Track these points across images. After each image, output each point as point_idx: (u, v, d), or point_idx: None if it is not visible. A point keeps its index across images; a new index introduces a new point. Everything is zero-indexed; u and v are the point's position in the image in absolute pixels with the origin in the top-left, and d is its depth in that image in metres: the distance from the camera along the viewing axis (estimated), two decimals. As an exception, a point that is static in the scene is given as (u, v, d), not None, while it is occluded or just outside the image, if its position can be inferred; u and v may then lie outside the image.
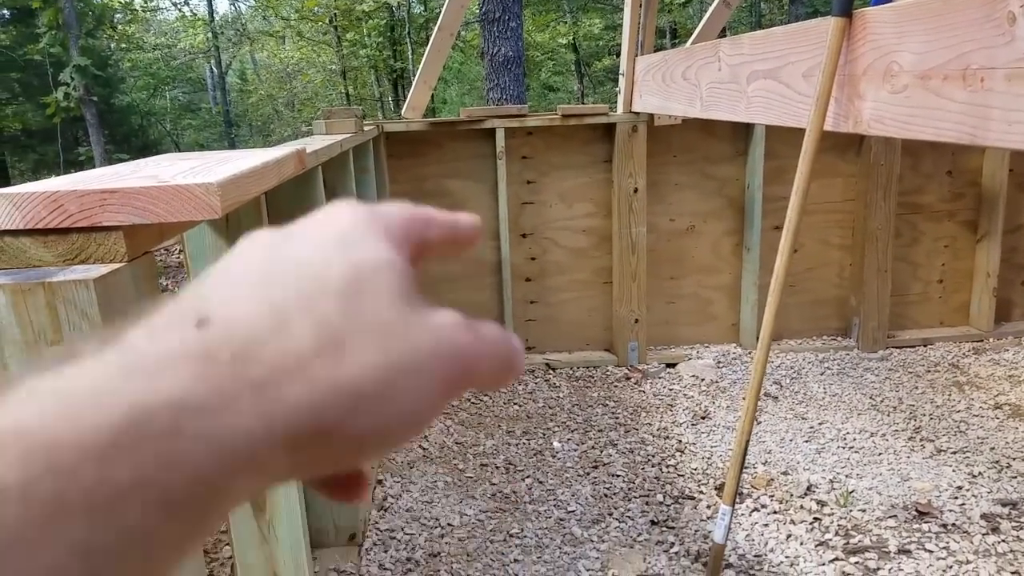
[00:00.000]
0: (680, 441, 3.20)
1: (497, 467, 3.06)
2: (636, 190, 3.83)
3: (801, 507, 2.68)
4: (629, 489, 2.86)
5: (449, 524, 2.67)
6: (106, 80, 14.01)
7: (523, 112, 3.88)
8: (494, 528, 2.65)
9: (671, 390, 3.72)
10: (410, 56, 12.99)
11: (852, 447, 3.07)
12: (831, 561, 2.40)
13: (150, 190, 0.91)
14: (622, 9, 3.84)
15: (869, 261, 3.96)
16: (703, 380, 3.78)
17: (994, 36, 1.27)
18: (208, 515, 0.25)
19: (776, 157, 3.87)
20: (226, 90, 20.70)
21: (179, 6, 19.27)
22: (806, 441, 3.14)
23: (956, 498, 2.69)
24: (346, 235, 0.29)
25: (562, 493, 2.84)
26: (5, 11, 13.62)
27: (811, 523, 2.60)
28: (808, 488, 2.79)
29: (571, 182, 3.99)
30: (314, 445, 0.26)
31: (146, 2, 17.88)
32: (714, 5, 3.87)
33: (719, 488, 2.83)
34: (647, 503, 2.77)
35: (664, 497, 2.80)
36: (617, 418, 3.44)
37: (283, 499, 1.62)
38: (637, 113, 3.74)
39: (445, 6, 3.83)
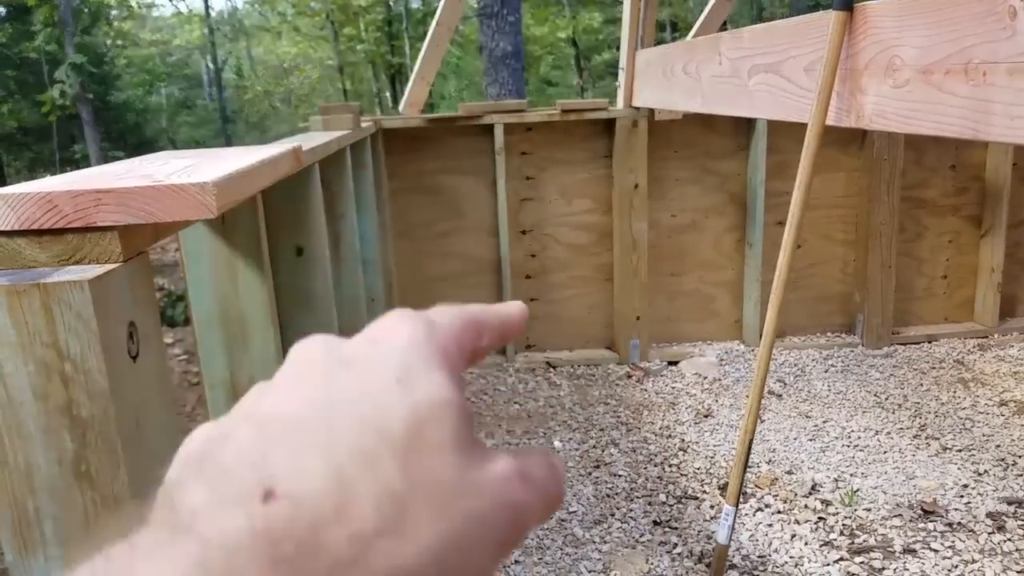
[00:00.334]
0: (683, 440, 3.18)
1: (498, 466, 3.03)
2: (637, 186, 3.81)
3: (805, 506, 2.66)
4: (631, 489, 2.84)
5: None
6: (102, 77, 13.99)
7: (522, 107, 3.85)
8: (496, 528, 2.63)
9: (673, 388, 3.70)
10: (408, 51, 12.97)
11: (857, 445, 3.05)
12: (836, 561, 2.38)
13: (145, 190, 0.91)
14: (621, 2, 3.81)
15: (873, 257, 3.94)
16: (706, 378, 3.76)
17: (996, 30, 1.27)
18: None
19: (778, 152, 3.85)
20: (222, 86, 20.66)
21: (175, 2, 19.25)
22: (810, 439, 3.12)
23: (961, 496, 2.68)
24: (405, 365, 0.29)
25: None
26: (1, 9, 13.59)
27: (816, 523, 2.58)
28: (812, 487, 2.77)
29: (571, 178, 3.96)
30: None
31: (142, -2, 17.85)
32: (715, -1, 3.85)
33: (722, 488, 2.81)
34: (649, 503, 2.74)
35: (667, 497, 2.77)
36: (619, 417, 3.42)
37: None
38: (637, 108, 3.72)
39: (443, 0, 3.80)
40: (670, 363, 3.98)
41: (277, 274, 1.97)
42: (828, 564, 2.37)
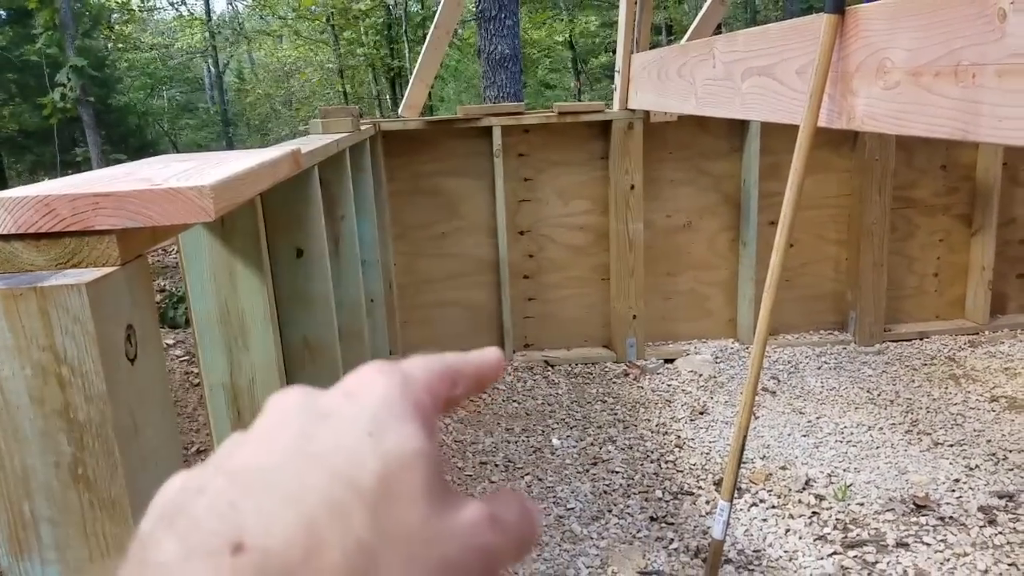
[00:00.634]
0: (679, 437, 3.21)
1: (496, 465, 3.07)
2: (632, 187, 3.84)
3: (799, 501, 2.69)
4: (628, 485, 2.87)
5: (448, 522, 2.67)
6: (103, 80, 14.00)
7: (520, 110, 3.88)
8: (493, 525, 2.65)
9: (669, 386, 3.73)
10: (407, 54, 12.98)
11: (850, 441, 3.08)
12: (830, 555, 2.41)
13: (143, 193, 0.91)
14: (618, 6, 3.84)
15: (865, 255, 3.97)
16: (701, 375, 3.79)
17: (985, 32, 1.28)
18: None
19: (771, 153, 3.88)
20: (223, 89, 20.67)
21: (176, 6, 19.26)
22: (804, 435, 3.15)
23: (953, 491, 2.70)
24: (377, 418, 0.29)
25: (561, 490, 2.85)
26: (1, 12, 13.61)
27: (809, 517, 2.60)
28: (806, 482, 2.80)
29: (568, 179, 3.99)
30: None
31: (143, 2, 17.87)
32: (709, 2, 3.87)
33: (718, 483, 2.84)
34: (646, 499, 2.77)
35: (663, 493, 2.80)
36: (616, 414, 3.45)
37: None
38: (633, 110, 3.75)
39: (441, 4, 3.83)
40: (666, 361, 4.01)
41: (277, 276, 1.99)
42: (822, 558, 2.40)
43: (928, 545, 2.43)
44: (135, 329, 0.93)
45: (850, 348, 4.02)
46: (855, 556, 2.40)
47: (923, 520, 2.55)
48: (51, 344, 0.83)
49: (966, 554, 2.38)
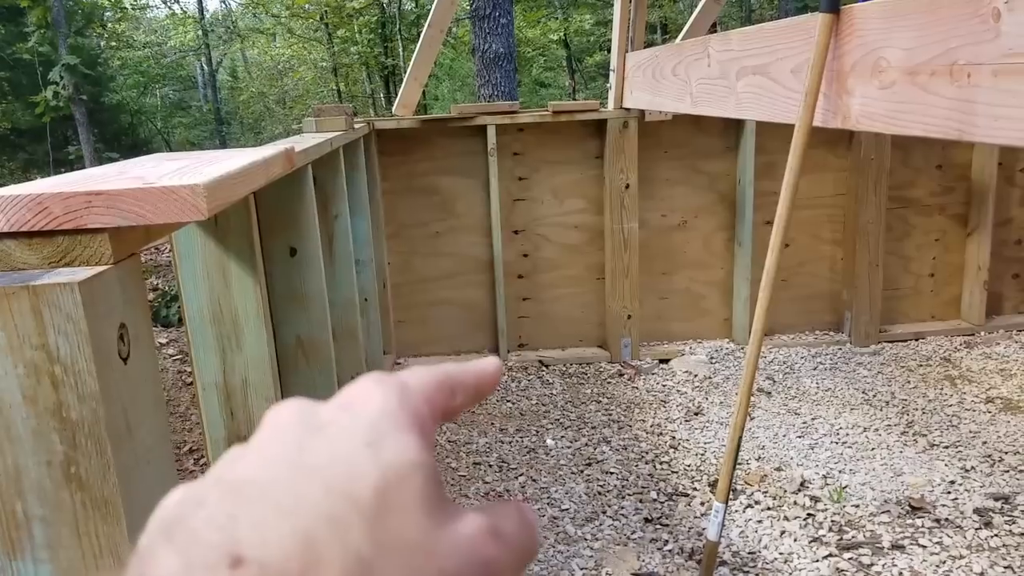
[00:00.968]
0: (673, 438, 3.21)
1: (490, 465, 3.06)
2: (627, 186, 3.83)
3: (795, 503, 2.68)
4: (623, 487, 2.86)
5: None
6: (96, 79, 13.95)
7: (514, 109, 3.87)
8: (488, 526, 2.64)
9: (664, 386, 3.72)
10: (401, 53, 12.97)
11: (845, 442, 3.08)
12: (825, 557, 2.40)
13: (136, 192, 0.91)
14: (612, 5, 3.83)
15: (860, 255, 3.97)
16: (696, 376, 3.79)
17: (980, 31, 1.27)
18: None
19: (767, 152, 3.88)
20: (217, 88, 20.61)
21: (169, 4, 19.21)
22: (799, 436, 3.14)
23: (949, 493, 2.70)
24: (375, 430, 0.29)
25: (555, 491, 2.84)
26: (-7, 10, 13.54)
27: (805, 519, 2.60)
28: (801, 484, 2.79)
29: (562, 178, 3.98)
30: None
31: (135, 0, 17.80)
32: (704, 1, 3.87)
33: (713, 485, 2.83)
34: (641, 501, 2.76)
35: (658, 494, 2.80)
36: (610, 415, 3.44)
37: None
38: (628, 109, 3.74)
39: (435, 2, 3.82)
40: (661, 361, 4.00)
41: (271, 274, 1.98)
42: (817, 560, 2.39)
43: (924, 547, 2.42)
44: (128, 328, 0.93)
45: (846, 348, 4.02)
46: (850, 558, 2.39)
47: (919, 522, 2.55)
48: (44, 343, 0.83)
49: (962, 556, 2.37)
